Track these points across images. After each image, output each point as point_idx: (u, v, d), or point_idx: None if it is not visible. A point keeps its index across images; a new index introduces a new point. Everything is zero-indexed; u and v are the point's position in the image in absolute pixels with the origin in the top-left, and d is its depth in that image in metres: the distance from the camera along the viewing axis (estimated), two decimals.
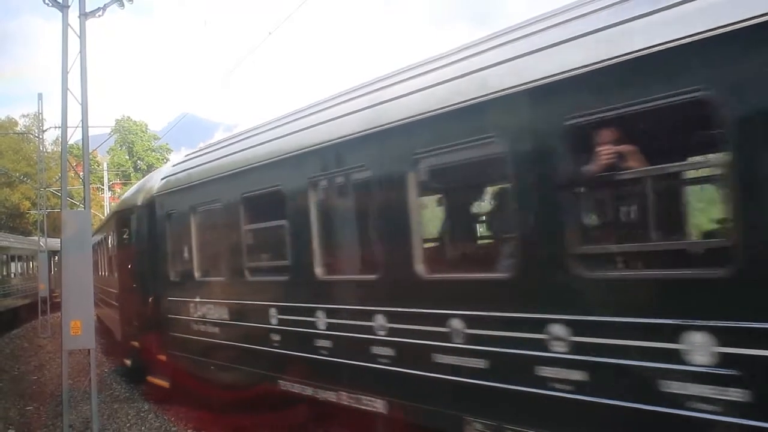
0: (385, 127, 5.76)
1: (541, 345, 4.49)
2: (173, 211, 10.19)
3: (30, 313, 29.29)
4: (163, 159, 67.64)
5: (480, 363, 4.96)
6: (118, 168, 65.18)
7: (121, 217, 14.84)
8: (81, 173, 12.84)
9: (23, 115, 56.01)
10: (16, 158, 48.10)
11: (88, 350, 9.21)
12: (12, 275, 29.73)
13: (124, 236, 14.82)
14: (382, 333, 5.87)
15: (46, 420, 11.30)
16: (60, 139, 10.87)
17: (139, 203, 12.92)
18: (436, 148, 5.37)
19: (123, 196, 18.82)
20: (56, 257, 31.84)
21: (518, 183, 4.76)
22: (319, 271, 6.69)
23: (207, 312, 8.97)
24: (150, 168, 62.03)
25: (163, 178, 10.90)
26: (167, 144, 71.62)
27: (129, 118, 72.53)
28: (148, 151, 71.11)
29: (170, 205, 10.29)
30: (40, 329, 25.74)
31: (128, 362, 14.11)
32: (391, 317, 5.79)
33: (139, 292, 12.88)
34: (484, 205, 5.92)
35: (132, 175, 65.16)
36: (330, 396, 6.55)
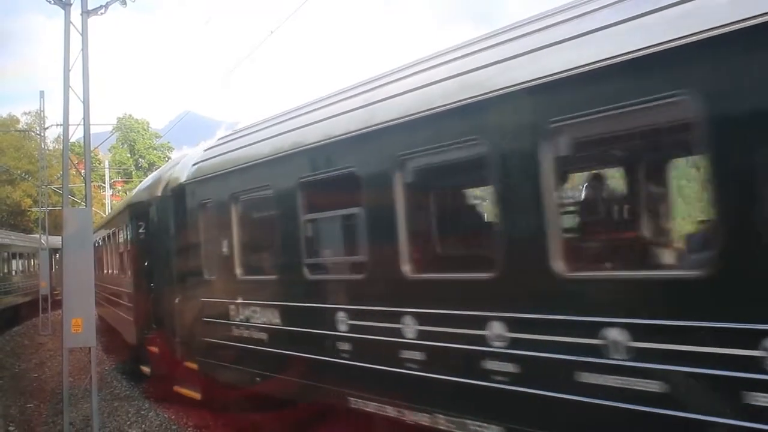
0: (510, 90, 4.63)
1: (755, 364, 3.41)
2: (208, 200, 9.04)
3: (31, 310, 29.04)
4: (164, 157, 66.51)
5: (654, 386, 3.86)
6: (120, 166, 64.25)
7: (137, 210, 13.72)
8: (82, 171, 12.41)
9: (25, 113, 56.23)
10: (18, 156, 48.27)
11: (89, 348, 9.13)
12: (13, 273, 29.50)
13: (140, 231, 13.73)
14: (500, 344, 4.75)
15: (46, 418, 11.18)
16: (61, 137, 10.42)
17: (160, 193, 11.80)
18: (581, 113, 4.26)
19: (138, 187, 17.63)
20: (57, 255, 31.23)
21: (721, 151, 3.63)
22: (407, 268, 5.54)
23: (251, 315, 7.82)
24: (152, 166, 61.20)
25: (194, 164, 9.71)
26: (169, 142, 70.70)
27: (131, 116, 71.46)
28: (150, 149, 70.03)
29: (204, 193, 9.12)
30: (41, 327, 25.55)
31: (147, 369, 12.95)
32: (514, 325, 4.66)
33: (160, 292, 11.78)
34: (657, 182, 4.76)
35: (133, 173, 64.20)
36: (422, 419, 5.42)
